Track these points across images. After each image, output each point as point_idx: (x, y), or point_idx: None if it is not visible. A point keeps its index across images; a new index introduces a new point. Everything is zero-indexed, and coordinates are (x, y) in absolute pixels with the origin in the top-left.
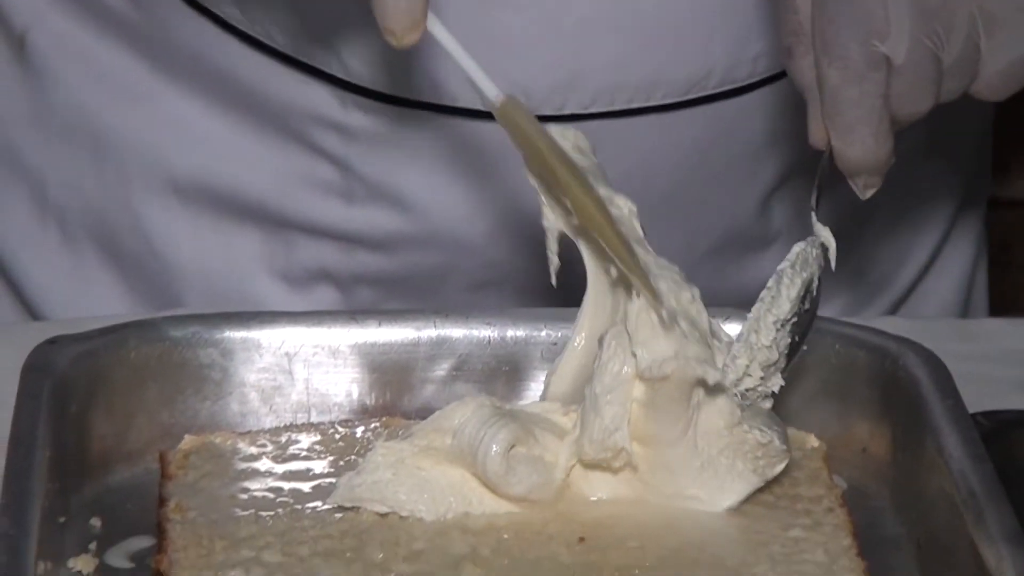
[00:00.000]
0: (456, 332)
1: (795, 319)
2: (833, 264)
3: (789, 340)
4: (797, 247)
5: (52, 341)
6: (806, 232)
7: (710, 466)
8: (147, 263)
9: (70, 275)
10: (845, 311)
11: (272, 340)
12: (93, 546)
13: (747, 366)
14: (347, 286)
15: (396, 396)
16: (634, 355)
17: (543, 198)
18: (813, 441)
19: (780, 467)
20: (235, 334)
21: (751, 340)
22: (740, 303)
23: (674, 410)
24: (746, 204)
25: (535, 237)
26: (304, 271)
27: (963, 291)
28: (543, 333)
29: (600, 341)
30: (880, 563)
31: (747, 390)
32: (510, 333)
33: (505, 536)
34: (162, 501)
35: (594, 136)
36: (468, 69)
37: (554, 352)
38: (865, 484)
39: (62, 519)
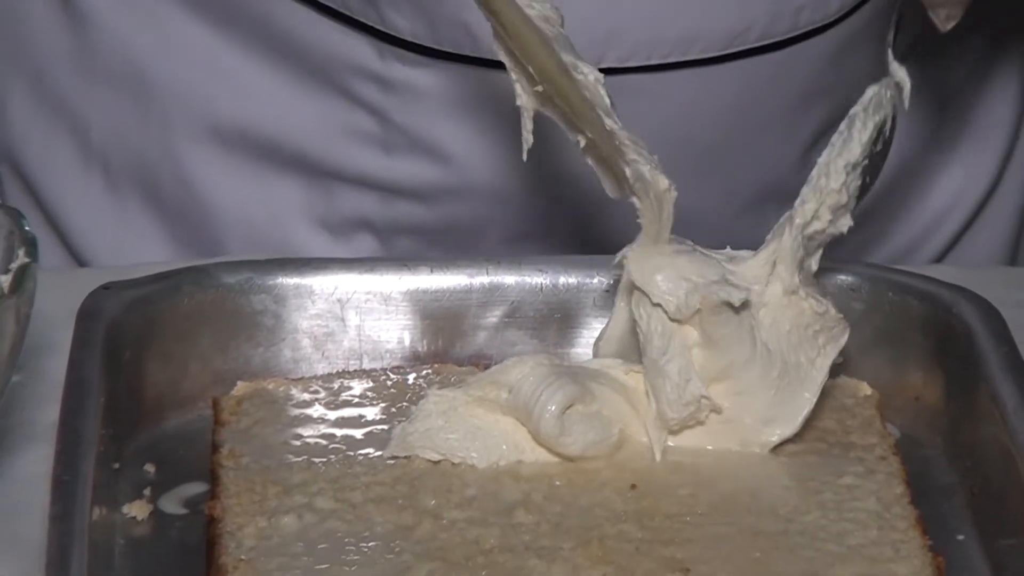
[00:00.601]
0: (508, 279)
1: (866, 162)
2: (906, 104)
3: (859, 183)
4: (871, 89)
5: (105, 287)
6: None
7: (787, 369)
8: (189, 210)
9: (114, 221)
10: (893, 258)
11: (324, 286)
12: (147, 492)
13: (815, 210)
14: (387, 236)
15: (448, 343)
16: (659, 306)
17: (513, 75)
18: (866, 389)
19: (844, 339)
20: (288, 280)
21: (820, 184)
22: None
23: (731, 332)
24: (786, 158)
25: (574, 190)
26: (344, 220)
27: (1012, 239)
28: (595, 280)
29: (633, 316)
30: (932, 511)
31: (815, 232)
32: (562, 280)
33: (557, 483)
34: (215, 447)
35: (632, 90)
36: None
37: (606, 299)
38: (918, 432)
39: (116, 465)
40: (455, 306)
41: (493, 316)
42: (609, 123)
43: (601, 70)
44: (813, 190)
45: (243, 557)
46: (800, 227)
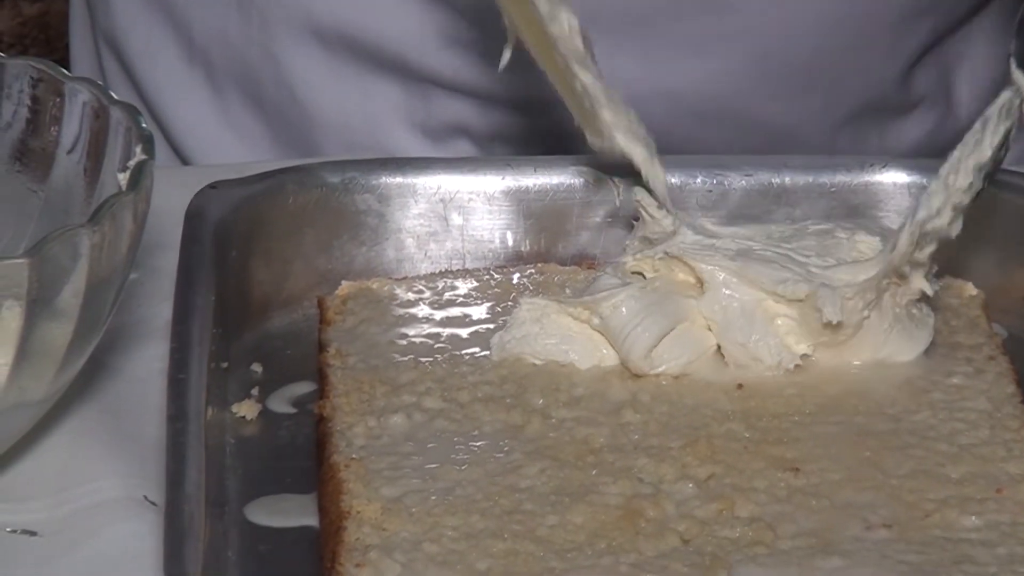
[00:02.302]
0: (613, 179)
1: (990, 166)
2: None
3: (980, 187)
4: (1004, 95)
5: (212, 186)
6: (948, 97)
7: (898, 320)
8: (288, 111)
9: (216, 120)
10: None
11: (428, 186)
12: (255, 392)
13: (939, 207)
14: (484, 142)
15: (551, 243)
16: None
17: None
18: (971, 289)
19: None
20: (391, 180)
21: (949, 181)
22: None
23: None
24: (887, 74)
25: (674, 102)
26: (442, 125)
27: None
28: (698, 180)
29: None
30: None
31: (932, 230)
32: (666, 179)
33: (664, 383)
34: (322, 347)
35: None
36: None
37: (709, 199)
38: None
39: (224, 365)
40: (559, 205)
41: (597, 215)
42: (583, 77)
43: None
44: (942, 186)
45: (354, 456)
46: (921, 222)
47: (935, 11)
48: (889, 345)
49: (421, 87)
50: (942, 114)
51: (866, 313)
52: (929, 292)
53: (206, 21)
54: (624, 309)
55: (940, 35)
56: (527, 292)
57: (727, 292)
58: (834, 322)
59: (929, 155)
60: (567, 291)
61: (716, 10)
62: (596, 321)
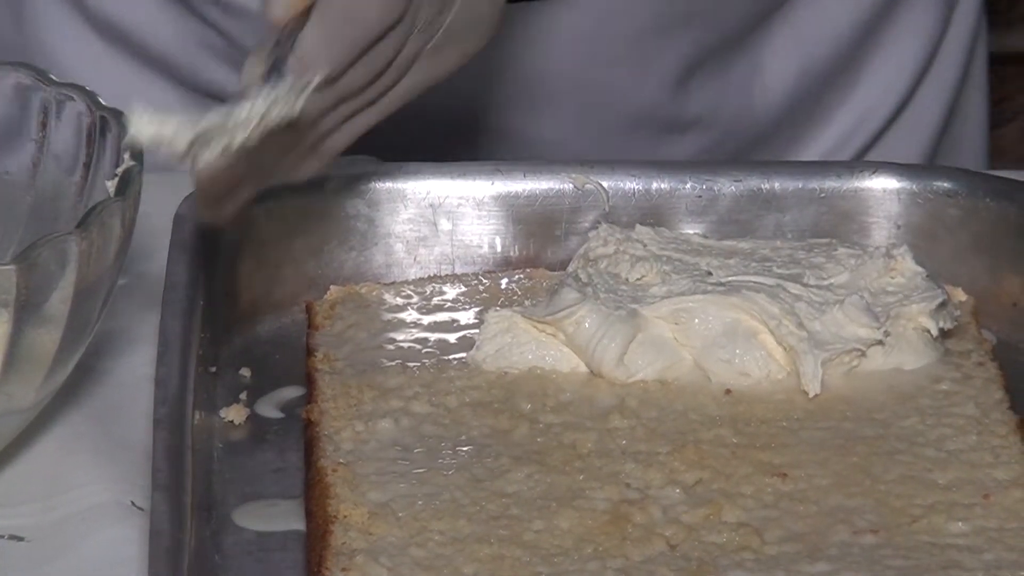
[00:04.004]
0: (601, 184)
1: None
2: None
3: None
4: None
5: None
6: (729, 117)
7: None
8: None
9: None
10: (820, 156)
11: (417, 191)
12: (243, 396)
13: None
14: None
15: (540, 248)
16: None
17: None
18: (961, 295)
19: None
20: (381, 184)
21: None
22: None
23: None
24: (652, 88)
25: (427, 118)
26: None
27: (934, 136)
28: (688, 186)
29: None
30: None
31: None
32: (655, 185)
33: (651, 388)
34: (310, 351)
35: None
36: None
37: (699, 205)
38: (1016, 338)
39: (213, 369)
40: (547, 210)
41: (585, 221)
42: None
43: None
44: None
45: (341, 460)
46: None
47: (691, 23)
48: (892, 360)
49: (193, 93)
50: (723, 127)
51: (855, 363)
52: (933, 331)
53: None
54: (587, 323)
55: (710, 49)
56: (516, 298)
57: (697, 321)
58: (811, 395)
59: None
60: (527, 302)
61: None
62: (562, 337)
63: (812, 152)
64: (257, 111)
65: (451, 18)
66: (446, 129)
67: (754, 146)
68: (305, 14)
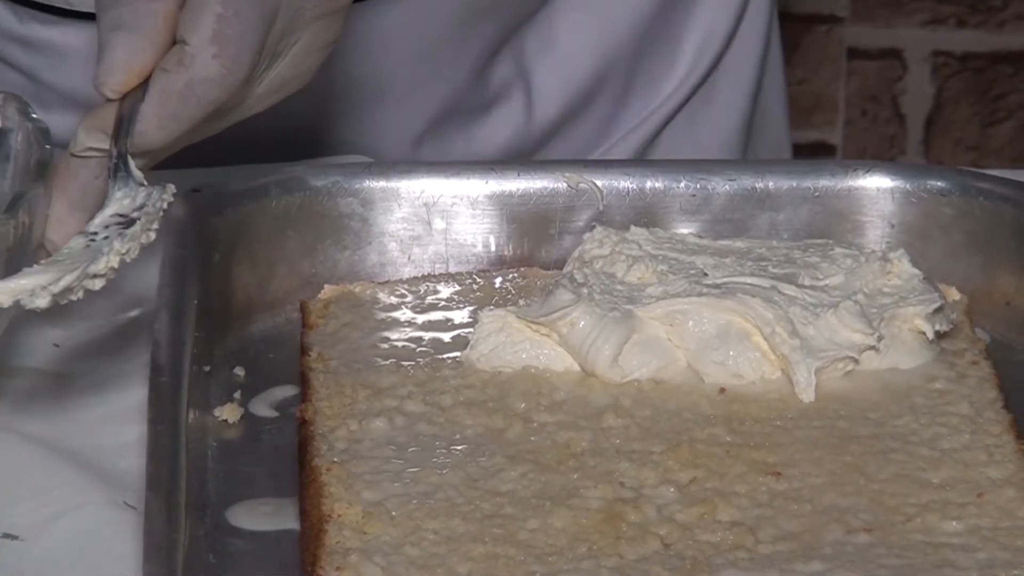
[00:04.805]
0: (595, 183)
1: None
2: None
3: None
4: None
5: (196, 190)
6: (528, 89)
7: (900, 340)
8: None
9: None
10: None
11: (411, 190)
12: (237, 395)
13: None
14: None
15: (534, 247)
16: None
17: None
18: (955, 294)
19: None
20: (375, 184)
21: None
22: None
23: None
24: (459, 76)
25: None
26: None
27: (748, 98)
28: (682, 185)
29: None
30: None
31: None
32: (649, 184)
33: (645, 387)
34: (304, 351)
35: None
36: None
37: (693, 204)
38: (1009, 337)
39: (207, 368)
40: (541, 210)
41: (579, 220)
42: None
43: None
44: None
45: (335, 459)
46: None
47: (498, 11)
48: (887, 361)
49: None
50: (525, 106)
51: (849, 367)
52: (929, 335)
53: None
54: (581, 324)
55: (509, 32)
56: (510, 297)
57: (691, 323)
58: (805, 401)
59: (520, 152)
60: (521, 301)
61: None
62: (555, 338)
63: (638, 110)
64: (113, 261)
65: (275, 72)
66: (274, 139)
67: (578, 113)
68: (141, 87)
